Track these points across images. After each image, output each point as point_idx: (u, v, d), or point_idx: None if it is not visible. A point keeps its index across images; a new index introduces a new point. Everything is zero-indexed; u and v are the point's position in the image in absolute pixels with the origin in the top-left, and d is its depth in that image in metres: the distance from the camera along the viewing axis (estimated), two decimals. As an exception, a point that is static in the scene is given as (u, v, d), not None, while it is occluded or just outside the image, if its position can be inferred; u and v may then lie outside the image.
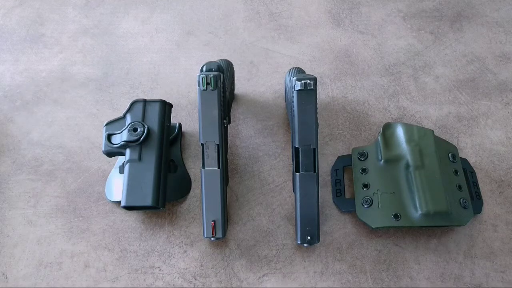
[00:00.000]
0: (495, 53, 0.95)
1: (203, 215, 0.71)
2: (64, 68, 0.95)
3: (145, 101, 0.77)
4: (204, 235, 0.71)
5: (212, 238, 0.71)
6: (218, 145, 0.69)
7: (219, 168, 0.69)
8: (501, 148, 0.83)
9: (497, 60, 0.94)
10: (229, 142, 0.83)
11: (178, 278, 0.71)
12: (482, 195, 0.77)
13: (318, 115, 0.70)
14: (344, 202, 0.77)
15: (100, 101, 0.90)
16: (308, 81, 0.67)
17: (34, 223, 0.77)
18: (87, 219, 0.77)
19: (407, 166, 0.75)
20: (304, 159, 0.68)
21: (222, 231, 0.71)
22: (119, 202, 0.76)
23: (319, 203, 0.70)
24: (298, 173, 0.69)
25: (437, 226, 0.73)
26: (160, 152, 0.74)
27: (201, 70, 0.70)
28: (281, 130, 0.86)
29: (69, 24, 1.02)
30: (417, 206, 0.71)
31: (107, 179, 0.80)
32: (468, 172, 0.79)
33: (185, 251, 0.74)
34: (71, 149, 0.84)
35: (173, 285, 0.71)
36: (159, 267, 0.72)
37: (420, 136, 0.78)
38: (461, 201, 0.73)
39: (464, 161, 0.80)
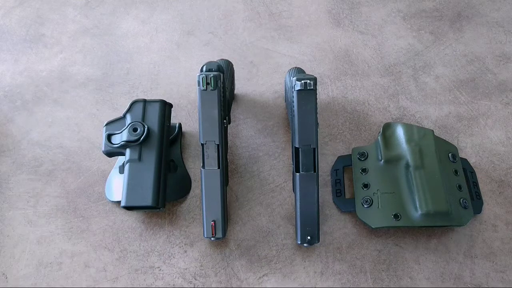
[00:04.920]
0: (495, 53, 0.95)
1: (203, 215, 0.71)
2: (64, 68, 0.95)
3: (145, 101, 0.77)
4: (204, 235, 0.71)
5: (212, 238, 0.71)
6: (218, 145, 0.69)
7: (219, 168, 0.69)
8: (501, 148, 0.83)
9: (497, 60, 0.94)
10: (229, 142, 0.83)
11: (178, 278, 0.71)
12: (482, 195, 0.77)
13: (318, 115, 0.70)
14: (344, 202, 0.77)
15: (100, 101, 0.90)
16: (308, 81, 0.67)
17: (34, 223, 0.77)
18: (87, 219, 0.77)
19: (407, 166, 0.75)
20: (304, 159, 0.68)
21: (222, 231, 0.71)
22: (119, 202, 0.76)
23: (319, 203, 0.70)
24: (298, 173, 0.69)
25: (437, 226, 0.73)
26: (160, 152, 0.74)
27: (201, 70, 0.70)
28: (281, 130, 0.86)
29: (69, 24, 1.02)
30: (417, 206, 0.71)
31: (107, 179, 0.80)
32: (468, 172, 0.79)
33: (185, 251, 0.74)
34: (71, 149, 0.84)
35: (173, 285, 0.71)
36: (159, 267, 0.72)
37: (420, 136, 0.78)
38: (461, 201, 0.73)
39: (464, 161, 0.80)
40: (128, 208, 0.73)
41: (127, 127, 0.74)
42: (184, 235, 0.75)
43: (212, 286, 0.71)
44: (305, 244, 0.71)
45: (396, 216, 0.72)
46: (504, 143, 0.83)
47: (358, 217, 0.74)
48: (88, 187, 0.80)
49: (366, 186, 0.76)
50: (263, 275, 0.71)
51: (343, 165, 0.80)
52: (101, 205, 0.78)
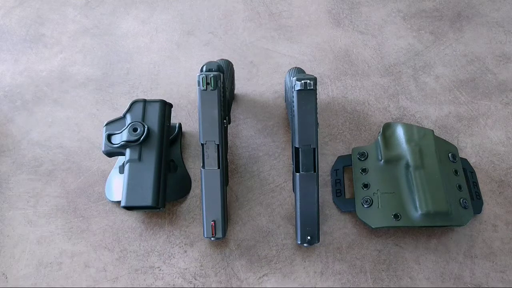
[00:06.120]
0: (495, 53, 0.95)
1: (203, 215, 0.71)
2: (64, 68, 0.95)
3: (145, 101, 0.77)
4: (204, 235, 0.71)
5: (212, 238, 0.71)
6: (218, 145, 0.69)
7: (219, 168, 0.69)
8: (501, 148, 0.83)
9: (497, 60, 0.94)
10: (229, 142, 0.83)
11: (178, 278, 0.71)
12: (482, 195, 0.77)
13: (318, 115, 0.70)
14: (344, 202, 0.77)
15: (100, 101, 0.90)
16: (308, 81, 0.67)
17: (34, 223, 0.77)
18: (87, 219, 0.77)
19: (407, 166, 0.75)
20: (304, 159, 0.68)
21: (222, 231, 0.71)
22: (119, 202, 0.76)
23: (319, 203, 0.70)
24: (298, 173, 0.69)
25: (437, 226, 0.73)
26: (160, 152, 0.74)
27: (201, 70, 0.70)
28: (281, 130, 0.86)
29: (69, 24, 1.02)
30: (417, 206, 0.71)
31: (107, 179, 0.80)
32: (468, 172, 0.79)
33: (185, 251, 0.74)
34: (71, 149, 0.84)
35: (173, 285, 0.71)
36: (159, 267, 0.72)
37: (420, 136, 0.78)
38: (461, 201, 0.73)
39: (464, 161, 0.80)
40: (128, 208, 0.73)
41: (127, 127, 0.74)
42: (184, 235, 0.75)
43: (212, 286, 0.71)
44: (305, 244, 0.71)
45: (396, 216, 0.72)
46: (504, 143, 0.83)
47: (358, 217, 0.74)
48: (88, 187, 0.80)
49: (366, 186, 0.76)
50: (263, 275, 0.71)
51: (343, 165, 0.80)
52: (101, 205, 0.78)
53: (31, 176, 0.81)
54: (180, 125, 0.84)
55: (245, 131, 0.86)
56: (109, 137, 0.75)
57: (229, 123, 0.78)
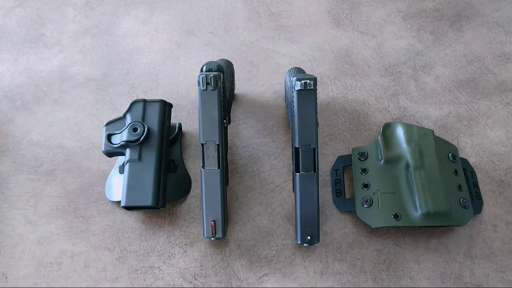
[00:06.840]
0: (495, 53, 0.95)
1: (203, 215, 0.71)
2: (64, 68, 0.95)
3: (145, 101, 0.77)
4: (204, 235, 0.71)
5: (212, 238, 0.71)
6: (218, 145, 0.69)
7: (219, 168, 0.70)
8: (501, 148, 0.83)
9: (497, 60, 0.94)
10: (229, 142, 0.83)
11: (178, 278, 0.71)
12: (482, 195, 0.77)
13: (318, 115, 0.70)
14: (344, 202, 0.77)
15: (100, 101, 0.90)
16: (308, 81, 0.67)
17: (34, 223, 0.77)
18: (87, 219, 0.77)
19: (407, 166, 0.75)
20: (304, 159, 0.68)
21: (222, 231, 0.71)
22: (119, 202, 0.76)
23: (319, 203, 0.70)
24: (298, 173, 0.69)
25: (437, 226, 0.73)
26: (160, 152, 0.74)
27: (201, 70, 0.70)
28: (281, 130, 0.86)
29: (69, 24, 1.02)
30: (417, 206, 0.71)
31: (107, 179, 0.80)
32: (468, 172, 0.79)
33: (185, 251, 0.74)
34: (71, 149, 0.84)
35: (173, 285, 0.71)
36: (159, 267, 0.72)
37: (420, 136, 0.78)
38: (461, 201, 0.73)
39: (464, 161, 0.80)
40: (128, 208, 0.73)
41: (127, 127, 0.74)
42: (184, 235, 0.75)
43: (212, 286, 0.71)
44: (305, 244, 0.71)
45: (396, 216, 0.72)
46: (504, 143, 0.83)
47: (358, 217, 0.74)
48: (88, 187, 0.80)
49: (366, 186, 0.76)
50: (263, 275, 0.71)
51: (343, 165, 0.80)
52: (101, 205, 0.78)
53: (31, 176, 0.81)
54: (180, 125, 0.84)
55: (245, 131, 0.86)
56: (109, 137, 0.75)
57: (229, 123, 0.78)
